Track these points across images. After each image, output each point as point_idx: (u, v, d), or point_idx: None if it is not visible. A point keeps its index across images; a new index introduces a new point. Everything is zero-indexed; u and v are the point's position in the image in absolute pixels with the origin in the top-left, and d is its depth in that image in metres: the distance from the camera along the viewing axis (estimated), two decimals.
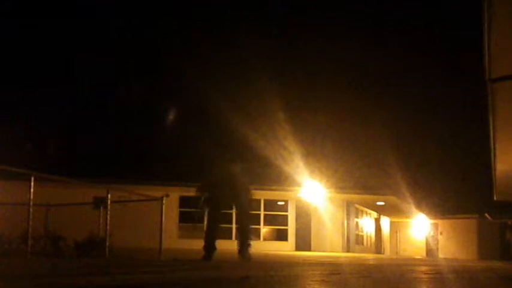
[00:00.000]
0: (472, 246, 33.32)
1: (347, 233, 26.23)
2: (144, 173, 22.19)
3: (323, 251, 22.54)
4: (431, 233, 36.47)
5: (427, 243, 36.42)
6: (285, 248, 23.89)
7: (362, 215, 30.29)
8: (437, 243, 35.92)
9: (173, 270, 5.65)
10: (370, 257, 16.80)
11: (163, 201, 11.16)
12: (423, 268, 7.79)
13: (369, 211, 31.63)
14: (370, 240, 32.09)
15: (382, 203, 28.65)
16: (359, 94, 32.42)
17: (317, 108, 26.83)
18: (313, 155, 22.87)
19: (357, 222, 28.70)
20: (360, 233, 29.82)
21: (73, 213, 13.06)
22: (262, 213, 24.40)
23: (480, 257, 30.54)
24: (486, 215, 31.28)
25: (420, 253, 34.80)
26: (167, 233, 12.31)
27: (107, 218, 10.21)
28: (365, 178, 24.90)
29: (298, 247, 24.70)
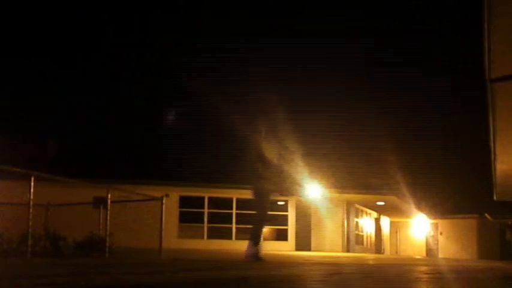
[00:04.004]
0: (472, 246, 33.32)
1: (347, 233, 26.23)
2: (144, 173, 22.19)
3: (323, 251, 22.54)
4: (431, 233, 36.46)
5: (427, 243, 36.42)
6: (285, 248, 23.87)
7: (362, 215, 30.28)
8: (437, 243, 35.92)
9: (173, 270, 5.65)
10: (370, 257, 16.80)
11: (163, 201, 11.18)
12: (423, 268, 7.79)
13: (369, 211, 31.62)
14: (370, 240, 32.08)
15: (382, 203, 28.65)
16: (359, 94, 32.40)
17: (317, 108, 26.82)
18: (313, 155, 22.87)
19: (357, 222, 28.68)
20: (360, 233, 29.80)
21: (73, 213, 13.03)
22: None
23: (480, 257, 30.54)
24: (486, 215, 31.29)
25: (420, 253, 34.79)
26: (167, 233, 12.31)
27: (107, 218, 10.21)
28: (365, 178, 24.91)
29: (298, 247, 24.69)
